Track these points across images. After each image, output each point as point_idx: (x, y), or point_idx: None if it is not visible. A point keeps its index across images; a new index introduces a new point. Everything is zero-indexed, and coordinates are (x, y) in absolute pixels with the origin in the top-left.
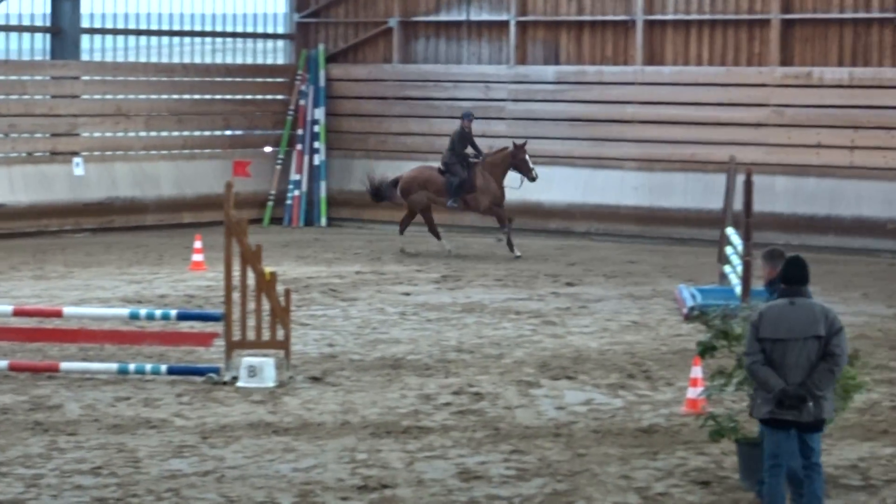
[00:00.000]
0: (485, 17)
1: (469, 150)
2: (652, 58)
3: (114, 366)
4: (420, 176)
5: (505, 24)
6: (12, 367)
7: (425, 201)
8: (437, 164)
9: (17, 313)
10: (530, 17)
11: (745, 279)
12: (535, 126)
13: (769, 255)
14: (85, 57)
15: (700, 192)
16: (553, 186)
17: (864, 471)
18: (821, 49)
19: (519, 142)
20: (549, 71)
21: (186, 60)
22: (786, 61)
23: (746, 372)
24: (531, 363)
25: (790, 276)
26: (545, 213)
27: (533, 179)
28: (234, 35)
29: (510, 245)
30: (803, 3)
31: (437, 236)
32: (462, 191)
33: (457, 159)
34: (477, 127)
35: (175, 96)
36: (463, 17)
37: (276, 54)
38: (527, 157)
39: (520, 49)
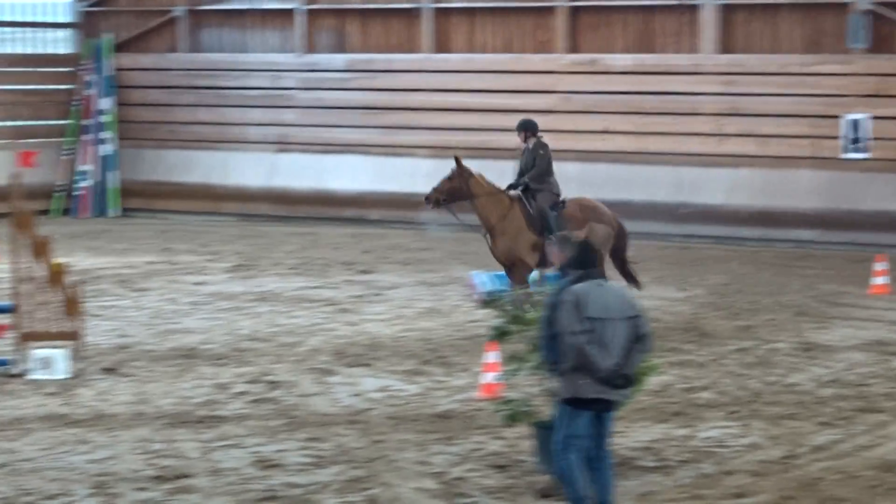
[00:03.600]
0: (271, 5)
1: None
2: (440, 46)
3: None
4: None
5: (292, 12)
6: None
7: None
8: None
9: None
10: (318, 6)
11: (540, 265)
12: (326, 114)
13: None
14: None
15: (492, 179)
16: (346, 174)
17: (657, 452)
18: (606, 36)
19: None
20: (338, 59)
21: None
22: (572, 48)
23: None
24: (326, 351)
25: (585, 261)
26: (339, 201)
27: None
28: (17, 24)
29: None
30: None
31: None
32: None
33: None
34: (267, 116)
35: None
36: (249, 6)
37: (60, 44)
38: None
39: (308, 37)
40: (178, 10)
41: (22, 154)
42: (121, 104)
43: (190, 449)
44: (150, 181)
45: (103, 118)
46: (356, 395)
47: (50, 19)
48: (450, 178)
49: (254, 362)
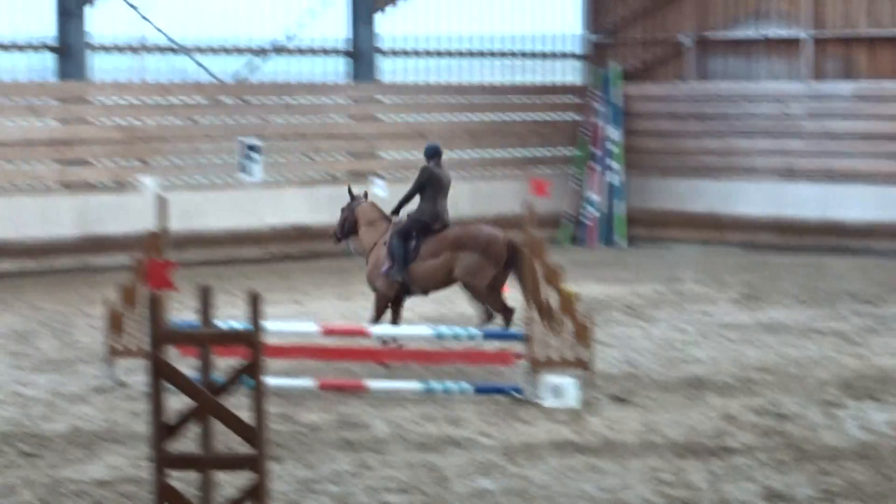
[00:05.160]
0: (778, 33)
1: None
2: None
3: (419, 384)
4: None
5: (798, 40)
6: (322, 386)
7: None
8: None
9: (325, 333)
10: (825, 34)
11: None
12: (833, 143)
13: None
14: (383, 78)
15: None
16: (853, 204)
17: None
18: None
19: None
20: (846, 87)
21: (479, 80)
22: None
23: None
24: (834, 383)
25: None
26: (846, 232)
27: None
28: (529, 55)
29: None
30: None
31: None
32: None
33: None
34: (773, 145)
35: (471, 116)
36: (756, 34)
37: (567, 73)
38: None
39: (815, 65)
40: (686, 40)
41: (535, 183)
42: (628, 133)
43: (699, 480)
44: (655, 210)
45: (611, 147)
46: (865, 428)
47: (559, 49)
48: (342, 210)
49: (760, 393)
